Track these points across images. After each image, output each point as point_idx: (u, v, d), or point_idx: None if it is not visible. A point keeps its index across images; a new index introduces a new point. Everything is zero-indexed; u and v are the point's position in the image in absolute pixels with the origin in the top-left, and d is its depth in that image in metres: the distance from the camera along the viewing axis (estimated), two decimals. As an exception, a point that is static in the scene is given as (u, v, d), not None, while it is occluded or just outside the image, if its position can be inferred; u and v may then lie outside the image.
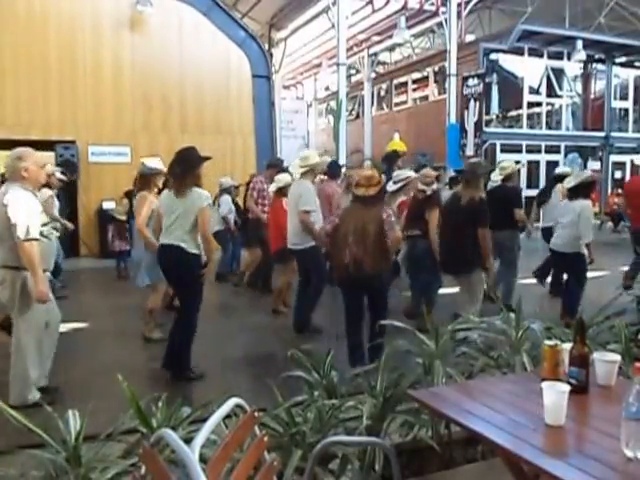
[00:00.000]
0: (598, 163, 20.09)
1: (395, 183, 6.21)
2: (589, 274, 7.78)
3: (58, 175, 7.73)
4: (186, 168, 4.51)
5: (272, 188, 6.89)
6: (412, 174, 6.34)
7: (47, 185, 7.04)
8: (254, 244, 7.82)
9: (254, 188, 7.64)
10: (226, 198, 8.69)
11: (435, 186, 6.18)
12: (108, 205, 11.07)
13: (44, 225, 3.96)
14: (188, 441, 1.49)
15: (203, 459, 1.57)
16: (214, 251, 4.48)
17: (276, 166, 7.82)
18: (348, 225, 4.49)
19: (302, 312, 5.92)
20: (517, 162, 7.73)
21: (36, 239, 3.71)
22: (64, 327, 6.06)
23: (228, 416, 1.81)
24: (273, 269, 7.49)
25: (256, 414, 1.86)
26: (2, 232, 3.77)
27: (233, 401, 1.80)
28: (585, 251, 5.71)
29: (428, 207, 5.85)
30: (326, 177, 8.30)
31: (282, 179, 6.65)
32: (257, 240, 7.60)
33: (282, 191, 6.53)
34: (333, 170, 8.26)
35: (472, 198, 5.23)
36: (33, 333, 3.92)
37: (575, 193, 5.91)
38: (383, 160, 8.28)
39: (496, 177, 6.91)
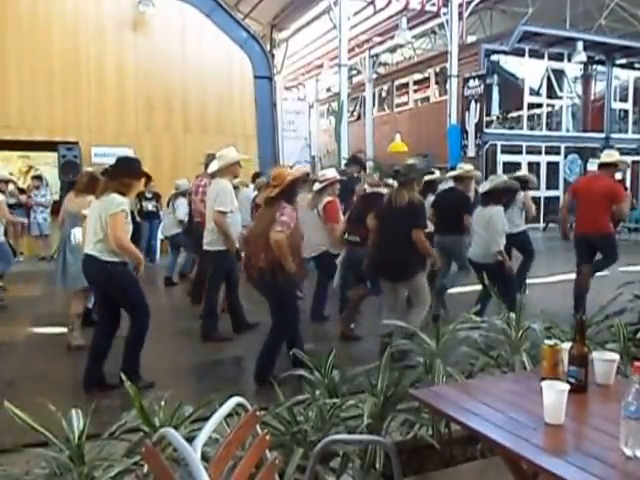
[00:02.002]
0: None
1: (320, 183, 6.11)
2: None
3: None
4: (123, 173, 4.27)
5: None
6: (336, 175, 6.26)
7: None
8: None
9: (203, 191, 6.94)
10: (182, 201, 8.45)
11: (382, 189, 5.99)
12: None
13: None
14: (190, 440, 1.50)
15: (205, 457, 1.59)
16: (138, 257, 4.22)
17: None
18: (252, 229, 4.48)
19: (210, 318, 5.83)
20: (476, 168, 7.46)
21: None
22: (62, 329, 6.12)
23: (230, 415, 1.82)
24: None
25: (258, 413, 1.88)
26: None
27: (235, 400, 1.81)
28: (499, 258, 5.42)
29: (369, 209, 5.40)
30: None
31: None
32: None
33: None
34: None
35: (410, 200, 4.90)
36: None
37: (487, 199, 5.63)
38: (352, 161, 8.11)
39: (448, 175, 6.79)
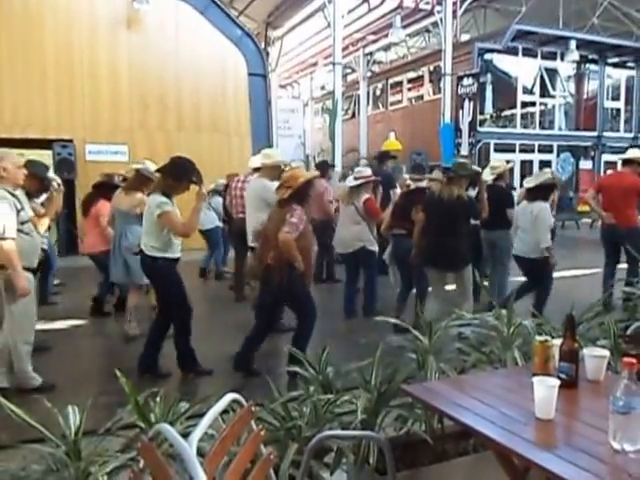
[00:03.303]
0: (590, 162, 20.22)
1: (356, 179, 6.30)
2: (582, 271, 7.87)
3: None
4: (170, 174, 4.46)
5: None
6: (371, 174, 6.48)
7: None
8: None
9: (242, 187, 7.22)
10: (218, 200, 8.84)
11: (424, 183, 6.19)
12: None
13: (24, 223, 4.03)
14: (186, 435, 1.51)
15: (201, 453, 1.59)
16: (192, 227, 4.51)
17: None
18: (263, 227, 4.62)
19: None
20: (507, 161, 7.67)
21: (12, 238, 3.81)
22: (64, 324, 6.16)
23: (225, 411, 1.83)
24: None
25: (253, 409, 1.89)
26: None
27: (230, 396, 1.83)
28: (547, 253, 5.60)
29: (412, 205, 5.77)
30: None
31: None
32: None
33: None
34: (322, 169, 8.41)
35: (459, 195, 5.19)
36: (22, 331, 4.06)
37: (534, 194, 5.78)
38: (375, 158, 8.34)
39: (487, 177, 6.92)
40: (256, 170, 6.78)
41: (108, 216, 6.01)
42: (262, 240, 4.55)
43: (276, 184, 5.43)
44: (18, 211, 3.96)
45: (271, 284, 4.38)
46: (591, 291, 6.02)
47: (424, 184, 6.18)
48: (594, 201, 6.81)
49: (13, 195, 3.99)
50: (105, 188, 6.57)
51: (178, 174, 4.45)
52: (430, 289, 5.69)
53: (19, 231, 3.91)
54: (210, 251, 9.27)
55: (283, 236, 4.23)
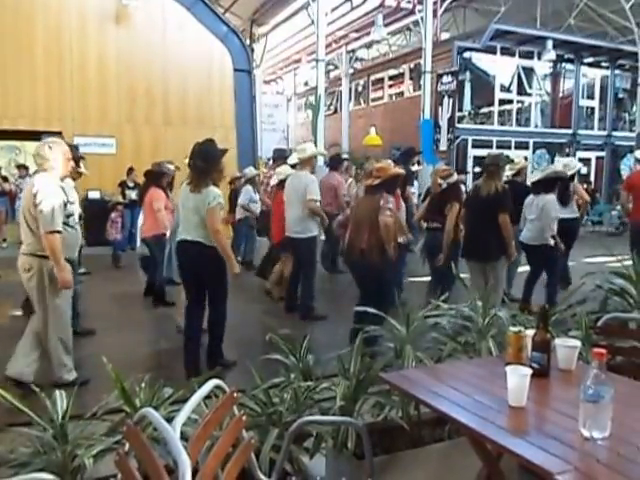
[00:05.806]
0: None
1: None
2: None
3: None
4: (210, 163, 4.37)
5: (273, 181, 6.93)
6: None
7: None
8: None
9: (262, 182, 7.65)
10: (247, 188, 8.81)
11: (453, 179, 6.25)
12: (93, 195, 11.04)
13: (69, 215, 3.99)
14: (170, 420, 1.56)
15: (184, 437, 1.63)
16: (226, 248, 4.31)
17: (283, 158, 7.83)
18: (353, 214, 4.81)
19: (295, 297, 6.19)
20: (525, 158, 7.92)
21: (58, 231, 3.76)
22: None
23: (208, 396, 1.88)
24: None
25: (235, 395, 1.92)
26: (31, 221, 3.82)
27: (213, 382, 1.88)
28: (552, 242, 5.89)
29: (447, 200, 5.89)
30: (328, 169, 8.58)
31: (282, 171, 6.65)
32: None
33: (283, 183, 6.44)
34: (335, 163, 8.52)
35: (496, 187, 5.37)
36: (61, 323, 4.00)
37: (538, 187, 6.09)
38: (401, 155, 8.34)
39: (507, 172, 7.08)
40: (277, 162, 7.10)
41: (161, 201, 6.38)
42: (354, 226, 4.70)
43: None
44: (65, 204, 3.90)
45: (364, 267, 4.57)
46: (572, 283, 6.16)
47: (454, 179, 6.25)
48: (625, 203, 7.23)
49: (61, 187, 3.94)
50: (154, 176, 6.85)
51: (215, 156, 4.46)
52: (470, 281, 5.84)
53: (64, 224, 3.86)
54: (238, 240, 9.37)
55: (387, 219, 4.43)
